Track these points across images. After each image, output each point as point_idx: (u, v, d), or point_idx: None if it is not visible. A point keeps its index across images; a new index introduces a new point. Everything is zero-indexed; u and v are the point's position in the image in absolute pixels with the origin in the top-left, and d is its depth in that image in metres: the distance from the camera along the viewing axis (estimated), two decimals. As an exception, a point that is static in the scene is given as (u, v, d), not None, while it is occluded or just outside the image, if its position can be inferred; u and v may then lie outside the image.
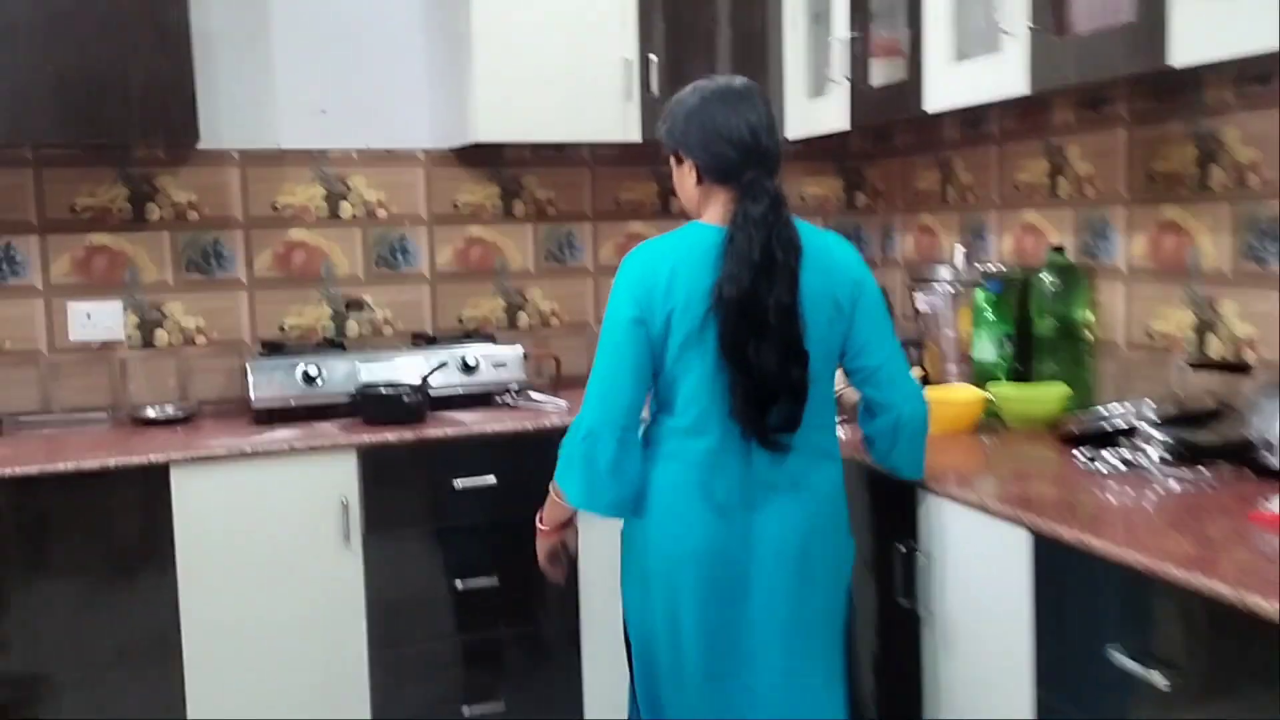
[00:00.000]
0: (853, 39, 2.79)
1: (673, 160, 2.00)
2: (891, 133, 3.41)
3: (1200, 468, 2.03)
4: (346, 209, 3.23)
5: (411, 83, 3.25)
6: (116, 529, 2.52)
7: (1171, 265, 2.44)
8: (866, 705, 2.31)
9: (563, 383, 3.23)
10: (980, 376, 2.70)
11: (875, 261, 3.56)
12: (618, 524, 2.05)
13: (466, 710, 2.78)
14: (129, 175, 3.04)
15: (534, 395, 3.09)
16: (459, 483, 2.73)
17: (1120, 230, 2.58)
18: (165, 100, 2.70)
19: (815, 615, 1.98)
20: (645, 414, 1.97)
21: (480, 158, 3.29)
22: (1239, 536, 1.67)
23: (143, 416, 2.93)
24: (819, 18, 3.03)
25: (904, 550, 2.15)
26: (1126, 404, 2.25)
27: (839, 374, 2.04)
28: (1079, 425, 2.29)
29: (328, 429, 2.78)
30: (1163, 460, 2.07)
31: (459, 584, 2.76)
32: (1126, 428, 2.19)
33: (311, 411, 2.90)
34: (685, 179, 1.98)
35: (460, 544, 2.76)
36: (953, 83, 2.48)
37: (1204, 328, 2.36)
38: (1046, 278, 2.64)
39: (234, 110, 3.08)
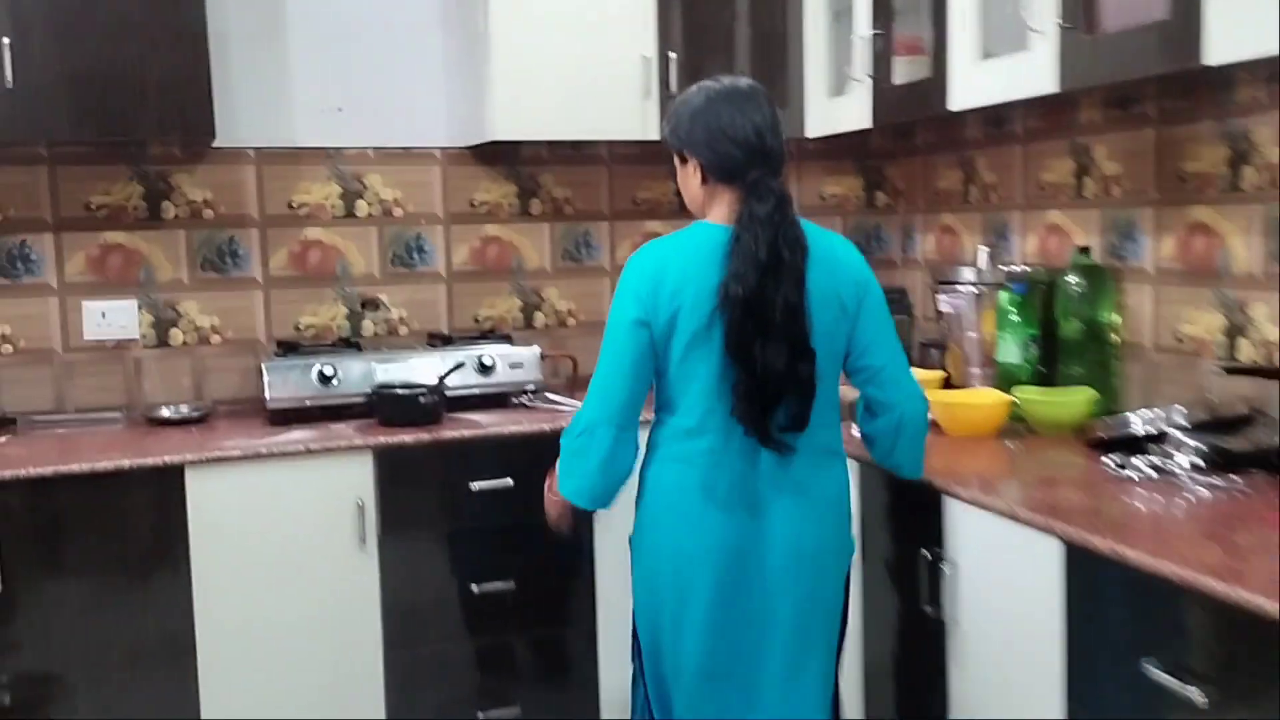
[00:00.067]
0: (875, 37, 2.76)
1: (677, 160, 2.01)
2: (913, 131, 3.37)
3: (1233, 475, 1.99)
4: (362, 207, 3.20)
5: (428, 80, 3.23)
6: (131, 530, 2.50)
7: (1201, 267, 2.40)
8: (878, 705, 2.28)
9: (579, 383, 3.20)
10: (1004, 380, 2.66)
11: (895, 262, 3.53)
12: (637, 529, 2.04)
13: (481, 714, 2.76)
14: (144, 173, 3.02)
15: (550, 396, 3.07)
16: (475, 485, 2.71)
17: (1148, 231, 2.54)
18: (181, 98, 2.69)
19: (819, 617, 1.99)
20: (648, 414, 1.98)
21: (497, 156, 3.26)
22: (1276, 546, 1.63)
23: (157, 416, 2.91)
24: (840, 15, 3.00)
25: (929, 557, 2.11)
26: (1156, 409, 2.21)
27: None
28: (1107, 430, 2.25)
29: (343, 430, 2.76)
30: (1194, 467, 2.03)
31: (475, 587, 2.73)
32: (1156, 433, 2.15)
33: (327, 412, 2.88)
34: (690, 179, 1.98)
35: (476, 547, 2.74)
36: (978, 81, 2.44)
37: (1234, 331, 2.32)
38: (1072, 279, 2.60)
39: (250, 108, 3.06)
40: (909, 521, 2.22)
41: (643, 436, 2.01)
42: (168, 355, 3.06)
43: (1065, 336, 2.62)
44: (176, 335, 3.07)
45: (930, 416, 2.07)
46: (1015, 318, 2.66)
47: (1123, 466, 2.09)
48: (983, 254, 2.85)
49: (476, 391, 3.01)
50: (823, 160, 3.49)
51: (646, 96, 3.02)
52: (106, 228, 3.00)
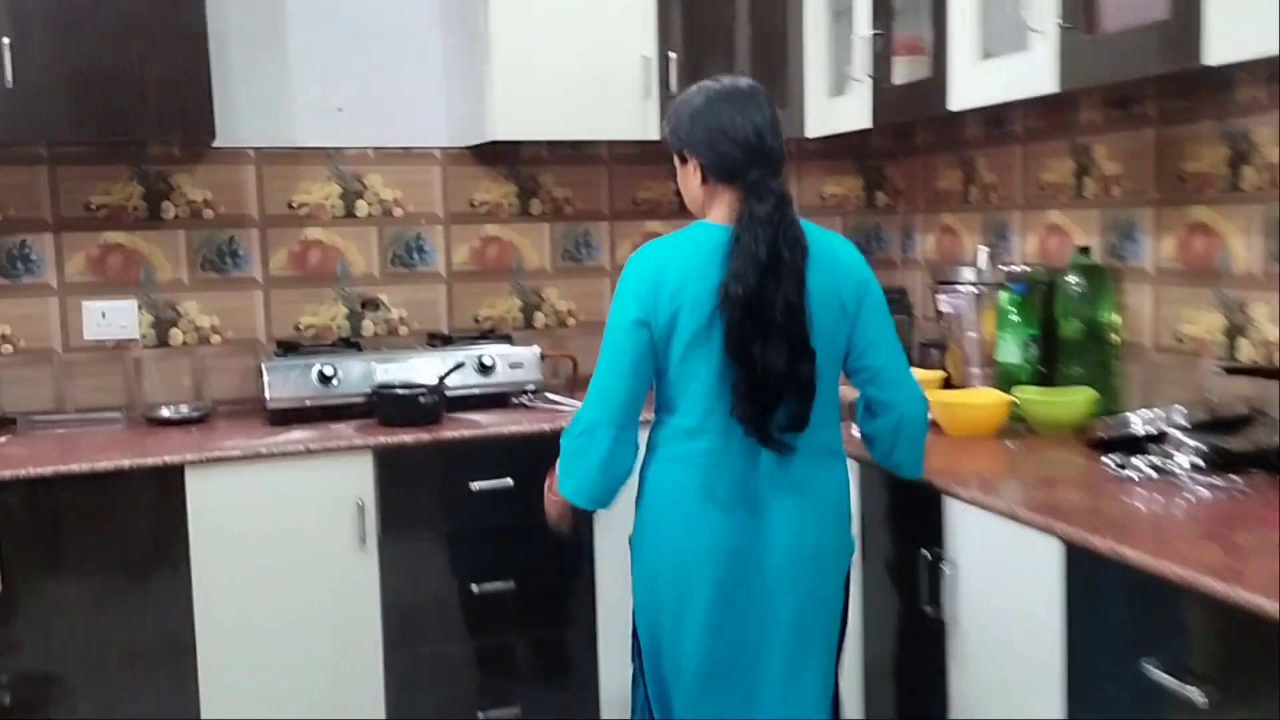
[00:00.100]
0: (875, 36, 2.76)
1: (677, 160, 2.01)
2: (913, 131, 3.37)
3: (1233, 475, 1.99)
4: (363, 207, 3.20)
5: (428, 80, 3.23)
6: (131, 530, 2.50)
7: (1201, 267, 2.40)
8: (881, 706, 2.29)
9: (579, 383, 3.19)
10: (1004, 379, 2.66)
11: (895, 261, 3.53)
12: (637, 529, 2.04)
13: (481, 715, 2.76)
14: (144, 173, 3.02)
15: (550, 396, 3.07)
16: (475, 485, 2.71)
17: (1148, 231, 2.54)
18: (181, 98, 2.68)
19: (819, 617, 1.99)
20: (648, 414, 1.98)
21: (497, 156, 3.26)
22: (1276, 546, 1.63)
23: (157, 416, 2.91)
24: (840, 15, 3.00)
25: (929, 557, 2.11)
26: (1156, 409, 2.21)
27: None
28: (1107, 430, 2.25)
29: (343, 430, 2.76)
30: (1194, 467, 2.03)
31: (475, 587, 2.73)
32: (1156, 433, 2.15)
33: (327, 412, 2.88)
34: (690, 179, 1.98)
35: (476, 547, 2.74)
36: (978, 81, 2.44)
37: (1234, 331, 2.32)
38: (1072, 279, 2.60)
39: (250, 108, 3.06)
40: (909, 521, 2.22)
41: (642, 437, 2.01)
42: (168, 355, 3.06)
43: (1065, 336, 2.62)
44: (176, 335, 3.07)
45: (930, 416, 2.07)
46: (1015, 318, 2.66)
47: (1123, 466, 2.09)
48: (983, 254, 2.85)
49: (476, 391, 3.01)
50: (823, 160, 3.49)
51: (647, 96, 3.01)
52: (106, 228, 3.00)
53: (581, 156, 3.36)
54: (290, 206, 3.14)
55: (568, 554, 2.76)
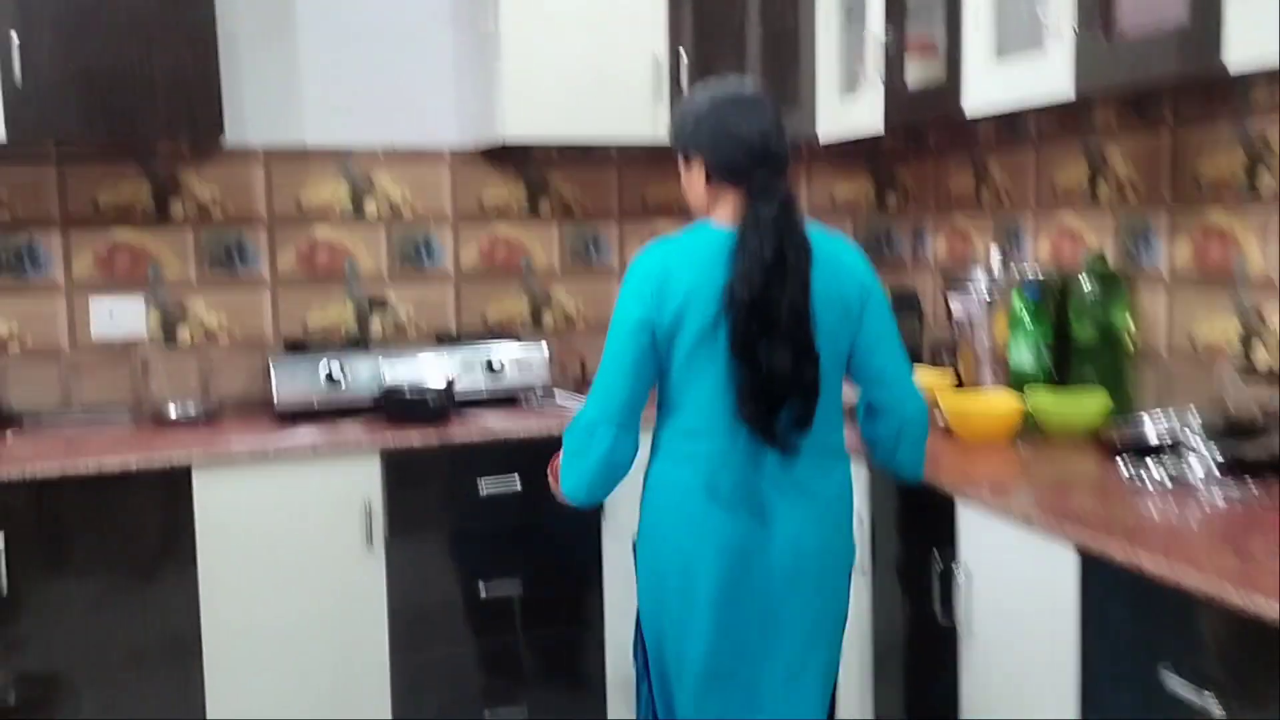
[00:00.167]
0: (888, 37, 2.74)
1: (681, 161, 2.00)
2: (924, 133, 3.35)
3: (1248, 482, 1.97)
4: (371, 207, 3.19)
5: (438, 80, 3.22)
6: (137, 529, 2.49)
7: (1216, 272, 2.38)
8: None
9: (587, 384, 3.17)
10: (1017, 383, 2.64)
11: (906, 263, 3.51)
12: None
13: (488, 715, 2.75)
14: (152, 172, 3.01)
15: (559, 396, 3.05)
16: (483, 486, 2.70)
17: (1163, 235, 2.52)
18: (190, 97, 2.68)
19: (822, 617, 1.99)
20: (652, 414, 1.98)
21: (506, 156, 3.25)
22: (1295, 555, 1.62)
23: (164, 415, 2.90)
24: (852, 15, 2.97)
25: (941, 563, 2.09)
26: (1170, 414, 2.19)
27: None
28: (1121, 436, 2.23)
29: (351, 430, 2.75)
30: (1209, 473, 2.02)
31: (482, 589, 2.72)
32: (1171, 439, 2.13)
33: (335, 412, 2.87)
34: (694, 179, 1.98)
35: (484, 548, 2.73)
36: (993, 85, 2.41)
37: (1249, 336, 2.30)
38: (1085, 283, 2.58)
39: (259, 107, 3.05)
40: (921, 527, 2.20)
41: (646, 437, 2.00)
42: (175, 354, 3.05)
43: (1078, 340, 2.60)
44: (184, 334, 3.06)
45: (934, 418, 2.05)
46: (1028, 321, 2.64)
47: (1137, 471, 2.07)
48: (995, 257, 2.83)
49: (484, 392, 3.00)
50: (833, 161, 3.47)
51: (657, 97, 3.00)
52: (114, 226, 2.99)
53: (590, 157, 3.35)
54: (298, 206, 3.14)
55: (575, 555, 2.75)
